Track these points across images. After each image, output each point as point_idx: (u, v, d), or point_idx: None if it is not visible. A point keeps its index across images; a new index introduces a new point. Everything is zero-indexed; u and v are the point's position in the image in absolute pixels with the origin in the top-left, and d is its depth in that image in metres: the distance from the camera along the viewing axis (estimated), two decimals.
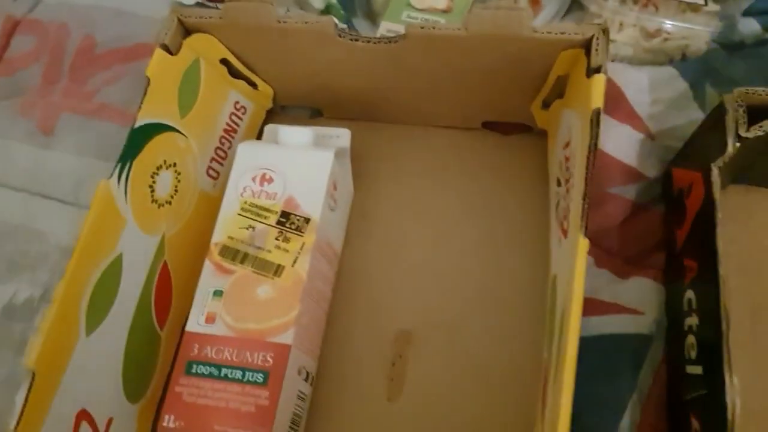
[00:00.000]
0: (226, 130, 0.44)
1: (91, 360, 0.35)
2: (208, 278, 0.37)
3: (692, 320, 0.36)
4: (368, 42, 0.39)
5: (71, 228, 0.45)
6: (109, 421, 0.36)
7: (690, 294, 0.37)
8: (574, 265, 0.30)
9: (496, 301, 0.41)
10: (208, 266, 0.38)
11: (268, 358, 0.35)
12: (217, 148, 0.44)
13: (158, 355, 0.40)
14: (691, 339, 0.36)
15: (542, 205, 0.42)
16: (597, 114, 0.32)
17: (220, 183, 0.44)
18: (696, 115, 0.44)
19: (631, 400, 0.38)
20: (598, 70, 0.33)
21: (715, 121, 0.37)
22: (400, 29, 0.40)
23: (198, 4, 0.50)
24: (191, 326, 0.36)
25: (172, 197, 0.40)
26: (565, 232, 0.35)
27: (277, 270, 0.37)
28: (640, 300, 0.40)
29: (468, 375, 0.39)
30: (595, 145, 0.32)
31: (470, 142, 0.45)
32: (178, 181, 0.40)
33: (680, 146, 0.43)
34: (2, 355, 0.42)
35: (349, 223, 0.44)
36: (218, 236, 0.38)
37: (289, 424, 0.36)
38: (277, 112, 0.48)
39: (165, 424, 0.34)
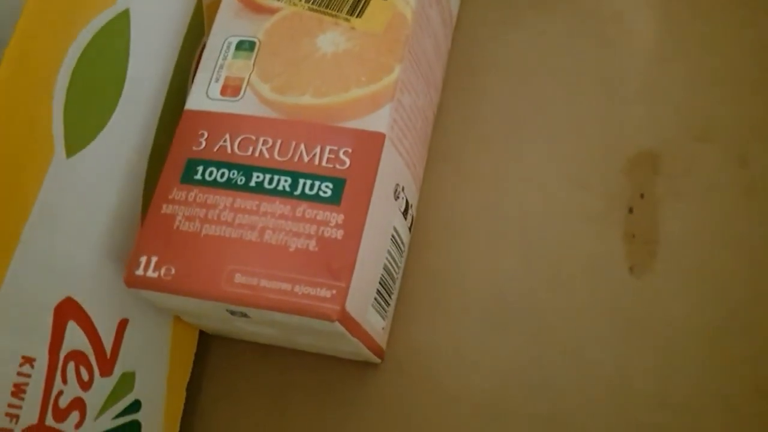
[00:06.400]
0: None
1: (81, 204, 0.18)
2: (228, 19, 0.20)
3: None
4: None
5: None
6: (122, 325, 0.19)
7: None
8: None
9: None
10: (228, 1, 0.21)
11: (342, 156, 0.18)
12: None
13: None
14: None
15: None
16: None
17: None
18: None
19: None
20: None
21: None
22: None
23: None
24: (195, 101, 0.19)
25: None
26: None
27: (356, 5, 0.20)
28: None
29: None
30: None
31: None
32: None
33: None
34: None
35: None
36: None
37: (377, 286, 0.19)
38: None
39: (139, 271, 0.18)
